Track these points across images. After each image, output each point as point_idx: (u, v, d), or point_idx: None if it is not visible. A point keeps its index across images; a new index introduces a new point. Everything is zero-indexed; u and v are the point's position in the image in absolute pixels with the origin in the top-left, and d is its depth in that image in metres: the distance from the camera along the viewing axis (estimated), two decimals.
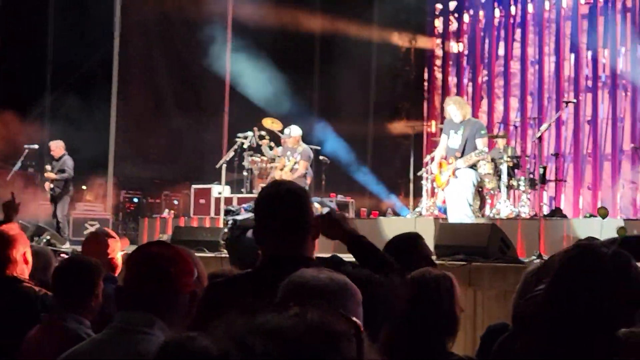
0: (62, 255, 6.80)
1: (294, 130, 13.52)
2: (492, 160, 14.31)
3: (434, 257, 9.71)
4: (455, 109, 10.65)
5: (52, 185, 15.36)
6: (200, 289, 2.73)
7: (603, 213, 9.28)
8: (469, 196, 10.58)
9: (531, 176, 13.88)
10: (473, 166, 10.74)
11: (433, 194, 14.85)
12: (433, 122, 18.71)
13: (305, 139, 15.91)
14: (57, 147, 15.67)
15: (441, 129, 17.42)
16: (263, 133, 14.96)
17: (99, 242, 5.34)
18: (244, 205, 12.36)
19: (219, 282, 3.18)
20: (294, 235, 3.08)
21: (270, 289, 2.41)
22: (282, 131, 16.09)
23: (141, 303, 2.53)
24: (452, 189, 10.70)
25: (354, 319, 1.26)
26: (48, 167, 15.67)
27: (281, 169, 13.27)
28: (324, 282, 2.25)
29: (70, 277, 4.00)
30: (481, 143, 10.59)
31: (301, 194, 3.15)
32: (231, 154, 14.47)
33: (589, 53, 17.10)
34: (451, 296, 3.52)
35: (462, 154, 10.53)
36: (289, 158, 13.19)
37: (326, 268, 2.46)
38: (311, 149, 15.75)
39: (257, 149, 15.36)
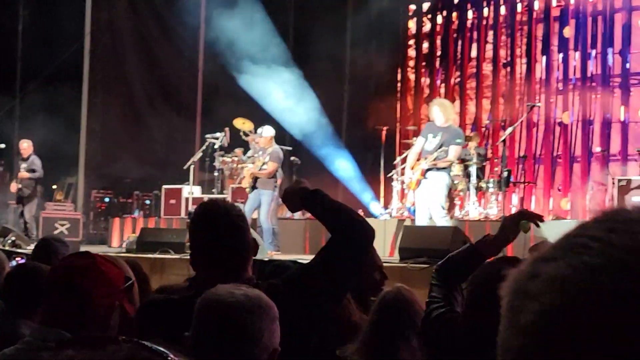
0: (18, 258, 6.72)
1: (266, 130, 13.43)
2: (462, 161, 14.35)
3: (396, 260, 9.78)
4: (439, 111, 10.62)
5: (19, 186, 15.24)
6: (127, 298, 2.68)
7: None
8: (442, 199, 10.57)
9: (500, 178, 13.91)
10: (446, 169, 10.76)
11: (403, 195, 14.87)
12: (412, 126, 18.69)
13: (277, 139, 15.90)
14: (26, 146, 15.57)
15: (413, 131, 17.57)
16: (246, 130, 14.98)
17: (48, 248, 5.32)
18: None
19: (155, 300, 3.12)
20: (234, 261, 2.99)
21: None
22: (253, 131, 16.08)
23: (54, 318, 2.51)
24: (422, 190, 10.67)
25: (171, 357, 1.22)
26: (24, 165, 15.50)
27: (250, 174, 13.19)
28: (237, 300, 2.21)
29: (19, 284, 3.97)
30: (453, 151, 10.59)
31: (239, 212, 3.08)
32: (199, 154, 14.44)
33: (560, 56, 17.15)
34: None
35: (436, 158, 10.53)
36: (259, 158, 13.14)
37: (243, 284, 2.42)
38: (282, 149, 15.75)
39: (227, 149, 15.34)
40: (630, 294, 0.72)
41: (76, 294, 2.46)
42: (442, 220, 10.53)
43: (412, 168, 10.93)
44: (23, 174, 15.22)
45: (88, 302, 2.48)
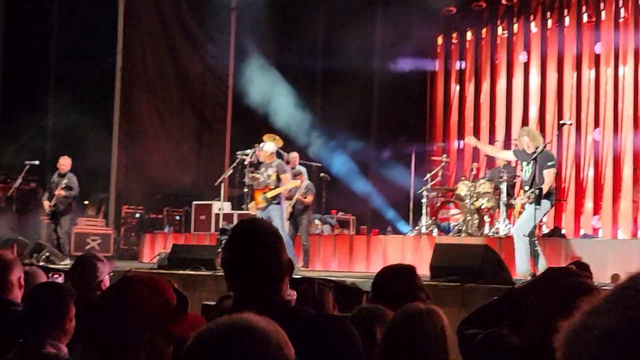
0: (56, 275, 6.80)
1: (266, 146, 13.45)
2: (492, 179, 14.34)
3: (427, 279, 9.76)
4: (528, 140, 10.73)
5: (53, 202, 15.28)
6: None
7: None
8: (531, 225, 10.59)
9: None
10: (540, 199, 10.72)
11: (433, 212, 14.86)
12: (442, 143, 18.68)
13: (306, 156, 15.97)
14: (65, 163, 15.59)
15: (443, 148, 17.56)
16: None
17: (87, 265, 5.37)
18: None
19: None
20: (269, 279, 2.97)
21: None
22: (282, 148, 16.15)
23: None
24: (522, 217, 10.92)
25: None
26: (64, 181, 15.45)
27: (258, 187, 13.18)
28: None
29: (42, 302, 4.00)
30: (547, 175, 10.64)
31: (275, 232, 3.07)
32: (230, 170, 14.50)
33: (592, 71, 17.09)
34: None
35: (531, 186, 10.64)
36: (264, 174, 13.16)
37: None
38: (311, 165, 15.81)
39: (257, 165, 15.39)
40: None
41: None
42: (520, 242, 10.50)
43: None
44: (60, 191, 15.25)
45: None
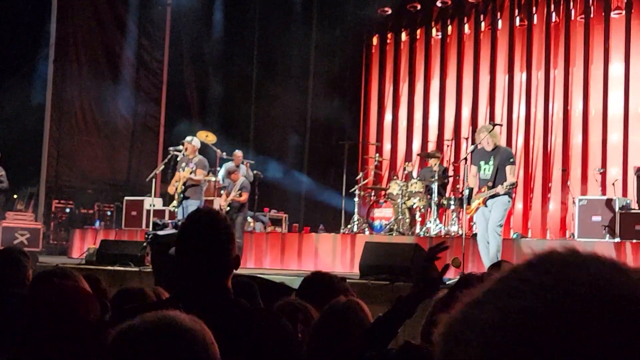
0: None
1: (195, 140, 13.57)
2: (423, 179, 14.45)
3: (357, 275, 9.81)
4: (488, 137, 10.74)
5: None
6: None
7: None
8: (501, 220, 10.72)
9: (461, 196, 14.00)
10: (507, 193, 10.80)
11: (365, 211, 14.93)
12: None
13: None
14: None
15: (376, 147, 17.61)
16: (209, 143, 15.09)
17: (12, 260, 5.28)
18: (172, 220, 12.32)
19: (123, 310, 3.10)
20: (217, 275, 3.02)
21: None
22: (215, 144, 16.11)
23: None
24: (480, 215, 10.85)
25: None
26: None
27: (177, 181, 13.27)
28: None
29: None
30: (510, 171, 10.70)
31: (226, 226, 3.11)
32: (162, 166, 14.40)
33: (524, 74, 17.32)
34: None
35: (494, 183, 10.62)
36: (184, 169, 13.25)
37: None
38: (244, 162, 15.79)
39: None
40: (566, 339, 0.71)
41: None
42: (498, 237, 10.62)
43: (475, 197, 11.04)
44: None
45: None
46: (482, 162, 10.82)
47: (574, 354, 0.70)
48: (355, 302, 3.55)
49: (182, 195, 13.09)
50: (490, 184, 10.65)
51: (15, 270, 5.18)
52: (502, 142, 17.15)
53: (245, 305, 3.08)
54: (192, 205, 12.88)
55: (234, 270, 3.08)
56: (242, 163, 15.23)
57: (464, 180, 13.97)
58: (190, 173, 13.17)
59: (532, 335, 0.71)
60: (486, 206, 10.67)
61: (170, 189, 13.39)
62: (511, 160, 10.81)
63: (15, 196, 18.50)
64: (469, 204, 11.03)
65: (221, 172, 15.55)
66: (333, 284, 4.75)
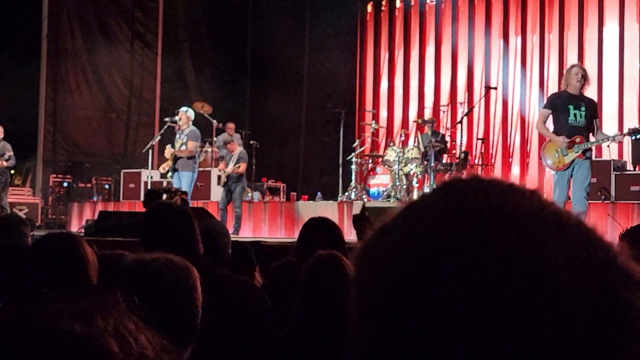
0: None
1: (189, 111, 13.49)
2: (420, 145, 14.49)
3: (354, 239, 9.82)
4: (582, 78, 9.28)
5: None
6: None
7: None
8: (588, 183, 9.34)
9: (457, 160, 14.03)
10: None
11: (362, 178, 14.97)
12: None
13: (237, 122, 15.96)
14: None
15: (372, 114, 17.60)
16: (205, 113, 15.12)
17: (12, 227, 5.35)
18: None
19: None
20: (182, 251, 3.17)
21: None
22: (212, 115, 16.12)
23: None
24: (578, 173, 9.23)
25: None
26: (7, 154, 15.05)
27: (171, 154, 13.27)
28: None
29: None
30: (597, 125, 9.40)
31: (186, 217, 3.33)
32: (158, 137, 14.41)
33: (518, 39, 17.30)
34: None
35: (588, 136, 9.28)
36: (177, 140, 13.22)
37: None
38: (241, 133, 15.82)
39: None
40: (467, 256, 0.75)
41: None
42: (584, 204, 9.22)
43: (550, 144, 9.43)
44: (2, 162, 14.92)
45: None
46: (571, 107, 9.19)
47: (475, 270, 0.74)
48: (335, 254, 3.60)
49: (174, 168, 13.07)
50: (586, 134, 9.23)
51: (17, 238, 5.23)
52: (499, 107, 17.28)
53: (220, 274, 3.28)
54: (184, 177, 12.89)
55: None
56: (237, 132, 15.27)
57: (460, 145, 14.02)
58: (181, 146, 13.10)
59: (434, 254, 0.76)
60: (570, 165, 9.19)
61: (167, 153, 13.35)
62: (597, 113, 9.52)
63: (12, 172, 18.51)
64: (464, 167, 10.69)
65: (218, 141, 15.58)
66: (332, 228, 4.89)
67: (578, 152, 9.14)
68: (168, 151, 13.26)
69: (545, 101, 10.28)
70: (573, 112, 9.19)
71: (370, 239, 0.83)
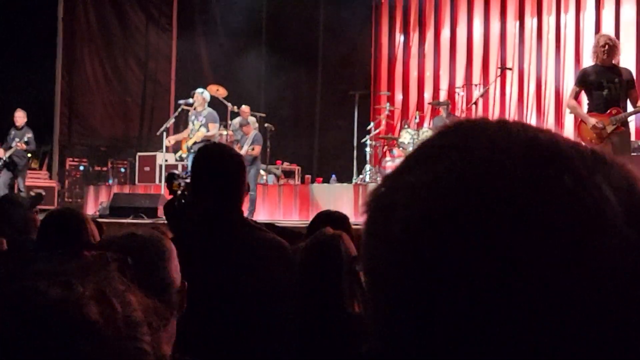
0: None
1: (205, 93, 13.52)
2: (435, 128, 14.42)
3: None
4: (607, 48, 8.90)
5: (8, 155, 15.05)
6: None
7: None
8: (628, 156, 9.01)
9: None
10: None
11: (377, 161, 14.94)
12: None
13: (252, 105, 15.94)
14: (22, 115, 15.40)
15: (387, 97, 17.55)
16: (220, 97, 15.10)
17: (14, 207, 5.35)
18: (184, 171, 12.35)
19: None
20: (229, 196, 3.24)
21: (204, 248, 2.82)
22: (226, 98, 16.11)
23: None
24: (617, 145, 8.85)
25: None
26: (27, 135, 15.14)
27: (188, 135, 13.25)
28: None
29: None
30: (633, 96, 8.95)
31: (234, 155, 3.34)
32: (172, 119, 14.42)
33: (534, 20, 17.19)
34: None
35: (625, 107, 8.93)
36: (194, 122, 13.20)
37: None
38: (256, 116, 15.80)
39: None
40: (495, 194, 0.70)
41: None
42: None
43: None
44: (22, 145, 15.02)
45: None
46: (603, 80, 8.89)
47: (504, 207, 0.69)
48: (338, 234, 3.59)
49: (191, 151, 13.05)
50: (623, 105, 8.91)
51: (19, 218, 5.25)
52: (514, 89, 17.20)
53: (257, 228, 3.29)
54: None
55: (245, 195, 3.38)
56: (252, 115, 15.25)
57: None
58: (200, 127, 13.09)
59: (461, 192, 0.71)
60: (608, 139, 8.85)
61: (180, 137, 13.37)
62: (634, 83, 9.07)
63: (29, 155, 18.59)
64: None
65: (233, 125, 15.57)
66: (342, 220, 4.89)
67: (615, 124, 8.81)
68: (189, 131, 13.22)
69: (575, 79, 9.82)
70: (607, 85, 8.83)
71: (385, 183, 0.77)
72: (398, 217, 0.72)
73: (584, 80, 9.08)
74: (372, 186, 12.84)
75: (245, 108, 15.20)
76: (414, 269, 0.71)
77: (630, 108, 9.01)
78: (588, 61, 16.15)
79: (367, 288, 0.76)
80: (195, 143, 13.02)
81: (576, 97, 9.15)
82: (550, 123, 16.45)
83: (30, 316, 1.05)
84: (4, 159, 15.00)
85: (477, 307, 0.68)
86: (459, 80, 17.72)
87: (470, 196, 0.70)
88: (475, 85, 16.60)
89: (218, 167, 3.24)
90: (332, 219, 4.94)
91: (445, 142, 0.76)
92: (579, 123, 9.24)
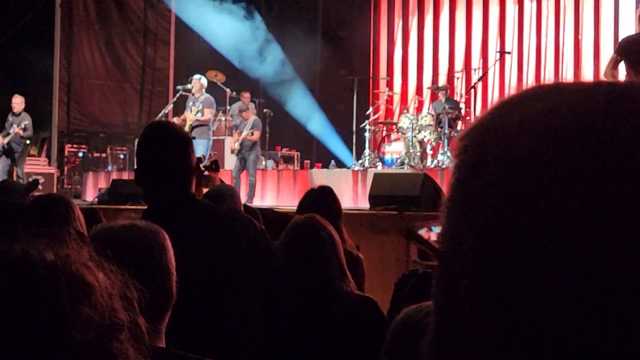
0: None
1: (203, 79, 13.53)
2: (434, 112, 14.42)
3: (367, 207, 9.85)
4: None
5: (7, 140, 15.02)
6: None
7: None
8: None
9: None
10: None
11: (376, 146, 14.92)
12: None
13: (252, 90, 15.92)
14: (20, 101, 15.30)
15: (386, 81, 17.51)
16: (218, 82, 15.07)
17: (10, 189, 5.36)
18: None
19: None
20: (176, 178, 3.13)
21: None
22: (225, 84, 16.09)
23: None
24: None
25: None
26: (24, 122, 15.05)
27: (184, 119, 13.25)
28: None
29: None
30: None
31: (181, 135, 3.22)
32: (170, 105, 14.41)
33: (533, 4, 17.15)
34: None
35: None
36: (191, 108, 13.21)
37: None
38: (255, 102, 15.79)
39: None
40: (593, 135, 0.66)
41: None
42: None
43: None
44: (19, 130, 14.95)
45: None
46: None
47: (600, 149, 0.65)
48: (314, 218, 3.59)
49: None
50: None
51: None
52: (514, 73, 17.17)
53: (212, 207, 3.18)
54: (200, 144, 12.87)
55: (195, 175, 3.23)
56: (252, 101, 15.25)
57: (474, 111, 13.95)
58: (196, 113, 13.11)
59: (557, 130, 0.67)
60: None
61: (182, 118, 13.36)
62: None
63: (27, 142, 18.57)
64: None
65: (232, 110, 15.56)
66: (329, 195, 4.95)
67: None
68: (185, 114, 13.25)
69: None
70: None
71: (485, 120, 0.71)
72: (516, 144, 0.67)
73: (626, 49, 8.33)
74: (374, 170, 12.83)
75: (246, 93, 15.22)
76: (544, 194, 0.65)
77: None
78: (588, 45, 16.22)
79: (457, 222, 0.70)
80: (190, 127, 13.03)
81: (614, 65, 8.35)
82: None
83: (31, 281, 1.05)
84: (3, 144, 14.97)
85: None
86: (458, 64, 17.69)
87: (607, 118, 0.66)
88: (474, 69, 16.56)
89: (161, 145, 3.16)
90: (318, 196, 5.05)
91: (540, 88, 0.72)
92: None
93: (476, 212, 0.68)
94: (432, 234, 1.67)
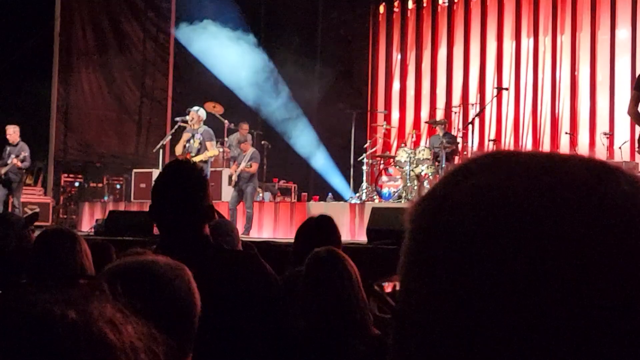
0: None
1: (201, 111, 13.51)
2: (432, 146, 14.46)
3: (364, 241, 9.84)
4: None
5: (4, 171, 14.94)
6: None
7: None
8: None
9: None
10: None
11: (373, 179, 14.94)
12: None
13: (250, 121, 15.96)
14: (15, 132, 15.20)
15: (384, 115, 17.54)
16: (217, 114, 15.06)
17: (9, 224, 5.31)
18: None
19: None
20: (189, 219, 3.11)
21: None
22: (223, 115, 16.12)
23: None
24: None
25: None
26: (23, 153, 14.95)
27: (183, 149, 13.21)
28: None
29: None
30: None
31: (199, 176, 3.19)
32: (169, 136, 14.42)
33: (530, 40, 17.26)
34: None
35: None
36: (191, 141, 13.17)
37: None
38: (253, 133, 15.82)
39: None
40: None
41: None
42: None
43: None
44: (17, 162, 14.84)
45: None
46: None
47: (582, 209, 0.73)
48: (334, 251, 3.59)
49: None
50: None
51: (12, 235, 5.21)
52: (510, 109, 17.23)
53: (224, 249, 3.16)
54: None
55: (208, 219, 3.18)
56: (250, 133, 15.27)
57: (471, 146, 13.99)
58: (198, 147, 13.06)
59: (535, 193, 0.74)
60: None
61: (178, 149, 13.33)
62: None
63: (24, 171, 18.54)
64: None
65: (230, 141, 15.58)
66: (328, 225, 4.92)
67: None
68: (182, 145, 13.20)
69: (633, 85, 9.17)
70: None
71: (439, 188, 0.79)
72: (464, 217, 0.75)
73: None
74: (371, 204, 12.81)
75: (244, 125, 15.25)
76: (487, 264, 0.73)
77: None
78: (585, 81, 16.30)
79: (411, 284, 0.79)
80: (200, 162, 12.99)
81: (636, 103, 8.37)
82: (546, 143, 16.51)
83: (51, 341, 1.04)
84: (1, 175, 14.92)
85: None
86: (456, 99, 17.77)
87: (546, 197, 0.73)
88: (472, 104, 16.63)
89: (178, 183, 3.14)
90: (318, 225, 5.00)
91: (494, 157, 0.80)
92: None
93: (428, 276, 0.76)
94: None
